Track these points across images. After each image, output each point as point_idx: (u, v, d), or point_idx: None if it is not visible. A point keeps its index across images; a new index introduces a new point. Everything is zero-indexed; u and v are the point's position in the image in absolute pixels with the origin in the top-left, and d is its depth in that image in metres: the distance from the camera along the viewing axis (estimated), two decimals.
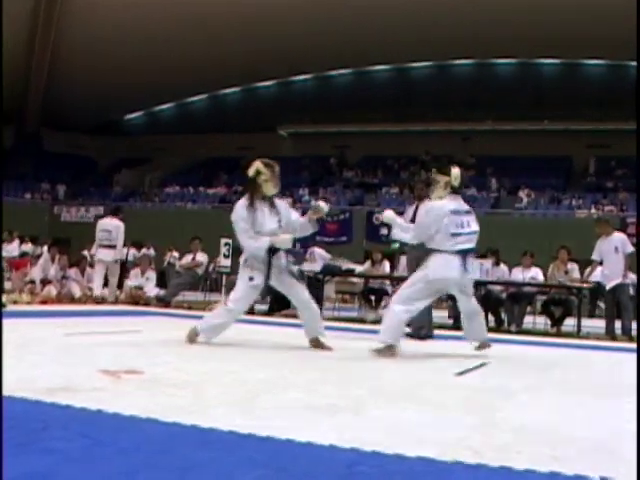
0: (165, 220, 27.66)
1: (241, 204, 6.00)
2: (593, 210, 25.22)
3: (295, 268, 6.42)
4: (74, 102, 35.12)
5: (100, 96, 34.35)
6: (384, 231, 15.04)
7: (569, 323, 10.42)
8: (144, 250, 20.62)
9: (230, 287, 11.80)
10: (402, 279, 11.59)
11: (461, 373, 4.88)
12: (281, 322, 9.78)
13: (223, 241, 13.99)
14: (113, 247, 12.16)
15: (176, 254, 18.52)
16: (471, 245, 5.69)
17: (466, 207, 5.78)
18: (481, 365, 5.42)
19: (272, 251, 5.95)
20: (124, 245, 17.57)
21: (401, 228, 6.03)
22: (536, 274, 11.07)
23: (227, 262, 13.85)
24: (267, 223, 5.96)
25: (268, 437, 2.60)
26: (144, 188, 34.10)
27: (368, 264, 12.26)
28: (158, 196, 32.25)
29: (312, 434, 2.66)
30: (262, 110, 35.57)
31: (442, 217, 5.60)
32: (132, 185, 34.10)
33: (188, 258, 13.12)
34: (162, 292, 12.71)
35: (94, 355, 4.80)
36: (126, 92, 34.21)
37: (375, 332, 8.69)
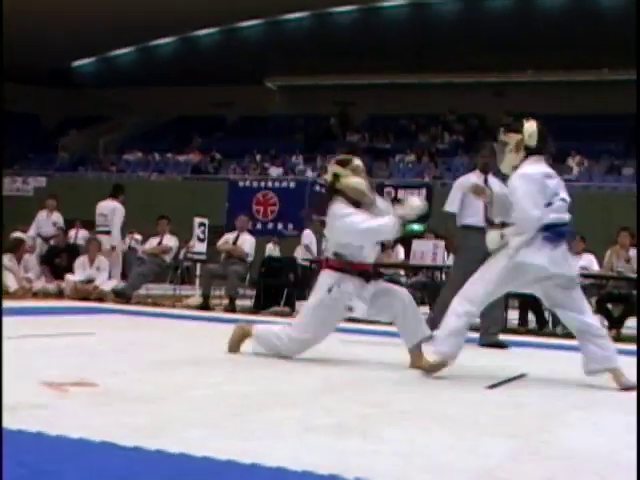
0: (125, 194, 27.58)
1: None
2: None
3: None
4: (7, 45, 34.90)
5: (40, 37, 34.05)
6: (397, 210, 15.05)
7: (631, 324, 10.43)
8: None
9: (207, 278, 11.90)
10: (420, 268, 11.73)
11: (493, 386, 4.88)
12: (270, 321, 9.76)
13: (197, 221, 14.01)
14: (109, 233, 12.87)
15: (138, 237, 18.53)
16: (565, 217, 5.29)
17: (551, 170, 5.38)
18: (518, 377, 5.42)
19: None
20: (73, 226, 17.61)
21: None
22: (589, 263, 11.07)
23: (202, 247, 13.87)
24: None
25: (254, 465, 2.59)
26: (98, 154, 34.02)
27: (378, 249, 12.25)
28: (115, 164, 32.21)
29: (310, 461, 2.66)
30: (246, 57, 35.45)
31: (541, 186, 5.18)
32: (83, 150, 34.04)
33: (153, 242, 13.10)
34: (121, 284, 12.71)
35: (34, 363, 4.79)
36: (74, 32, 33.92)
37: (390, 334, 8.71)
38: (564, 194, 5.29)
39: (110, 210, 13.02)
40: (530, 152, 5.31)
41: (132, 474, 2.47)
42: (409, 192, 15.29)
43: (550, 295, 5.29)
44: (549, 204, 5.18)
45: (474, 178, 7.94)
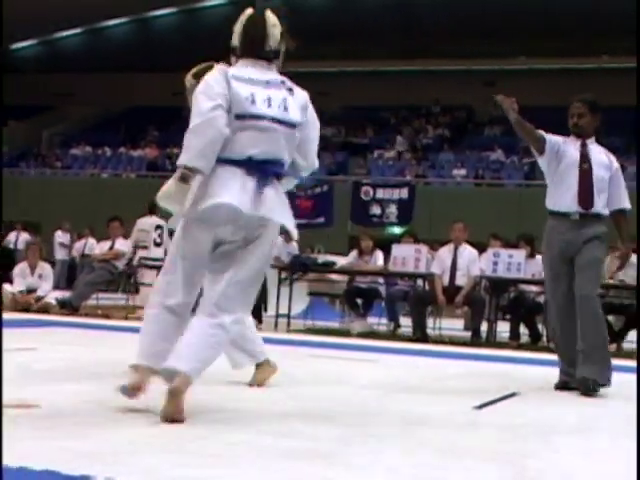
0: (71, 193, 27.48)
1: None
2: None
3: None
4: None
5: None
6: (376, 209, 15.11)
7: (635, 338, 10.48)
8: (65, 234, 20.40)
9: None
10: (400, 275, 11.74)
11: (482, 406, 4.91)
12: None
13: (154, 223, 13.94)
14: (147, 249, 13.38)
15: (92, 241, 18.43)
16: (269, 154, 4.11)
17: (270, 77, 4.36)
18: (509, 396, 5.44)
19: None
20: (13, 229, 17.50)
21: None
22: None
23: (158, 252, 13.79)
24: None
25: None
26: (41, 148, 33.81)
27: (354, 255, 12.27)
28: (61, 160, 32.02)
29: None
30: (207, 40, 35.27)
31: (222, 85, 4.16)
32: (24, 144, 33.80)
33: (104, 247, 13.03)
34: (68, 294, 12.60)
35: None
36: (13, 10, 33.66)
37: (363, 348, 8.72)
38: (287, 112, 4.20)
39: (150, 226, 13.52)
40: (257, 55, 4.44)
41: None
42: (389, 191, 15.26)
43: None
44: (241, 116, 4.10)
45: (572, 145, 6.31)
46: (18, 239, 17.30)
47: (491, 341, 10.31)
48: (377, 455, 3.34)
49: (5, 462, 2.84)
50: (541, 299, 10.93)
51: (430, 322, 10.99)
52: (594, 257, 6.01)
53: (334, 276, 12.74)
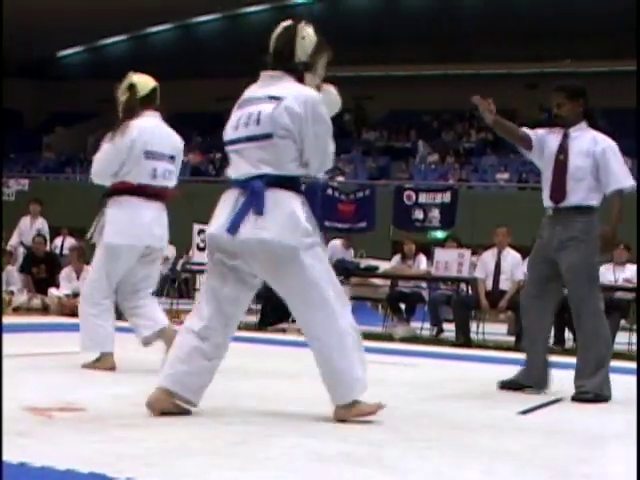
0: None
1: None
2: None
3: None
4: None
5: (21, 23, 34.10)
6: (419, 214, 15.04)
7: (635, 339, 10.41)
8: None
9: None
10: (443, 279, 11.71)
11: (526, 412, 4.88)
12: (274, 339, 9.77)
13: (197, 227, 14.02)
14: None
15: None
16: (252, 173, 4.16)
17: (263, 92, 4.31)
18: (554, 401, 5.41)
19: None
20: (59, 234, 17.70)
21: None
22: (633, 274, 11.01)
23: (202, 256, 13.87)
24: None
25: None
26: (87, 154, 34.04)
27: (397, 259, 12.26)
28: None
29: None
30: (251, 46, 35.43)
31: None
32: (70, 150, 34.10)
33: None
34: None
35: (16, 386, 4.79)
36: (59, 18, 34.01)
37: (406, 353, 8.70)
38: (256, 127, 4.19)
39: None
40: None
41: None
42: (431, 196, 15.22)
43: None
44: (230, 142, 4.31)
45: (554, 136, 6.08)
46: (64, 244, 17.42)
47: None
48: (423, 459, 3.34)
49: (52, 464, 2.88)
50: None
51: (473, 327, 10.94)
52: (572, 264, 5.65)
53: (377, 280, 12.74)
